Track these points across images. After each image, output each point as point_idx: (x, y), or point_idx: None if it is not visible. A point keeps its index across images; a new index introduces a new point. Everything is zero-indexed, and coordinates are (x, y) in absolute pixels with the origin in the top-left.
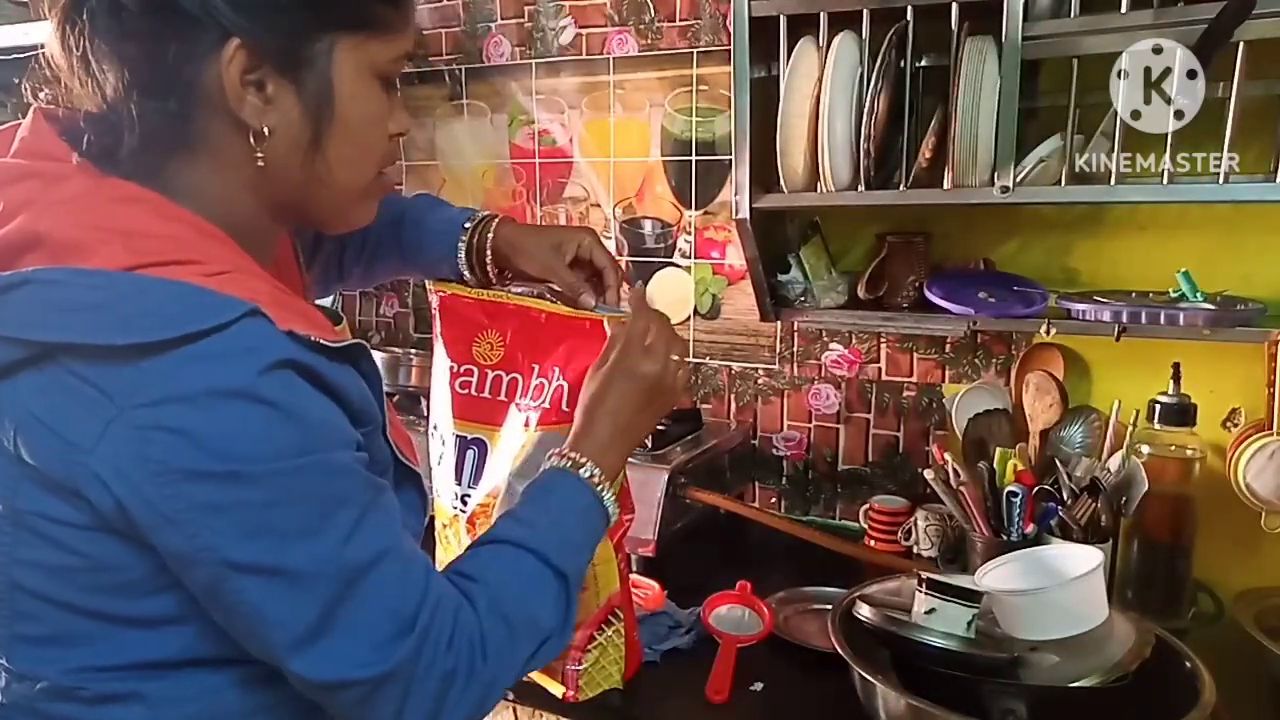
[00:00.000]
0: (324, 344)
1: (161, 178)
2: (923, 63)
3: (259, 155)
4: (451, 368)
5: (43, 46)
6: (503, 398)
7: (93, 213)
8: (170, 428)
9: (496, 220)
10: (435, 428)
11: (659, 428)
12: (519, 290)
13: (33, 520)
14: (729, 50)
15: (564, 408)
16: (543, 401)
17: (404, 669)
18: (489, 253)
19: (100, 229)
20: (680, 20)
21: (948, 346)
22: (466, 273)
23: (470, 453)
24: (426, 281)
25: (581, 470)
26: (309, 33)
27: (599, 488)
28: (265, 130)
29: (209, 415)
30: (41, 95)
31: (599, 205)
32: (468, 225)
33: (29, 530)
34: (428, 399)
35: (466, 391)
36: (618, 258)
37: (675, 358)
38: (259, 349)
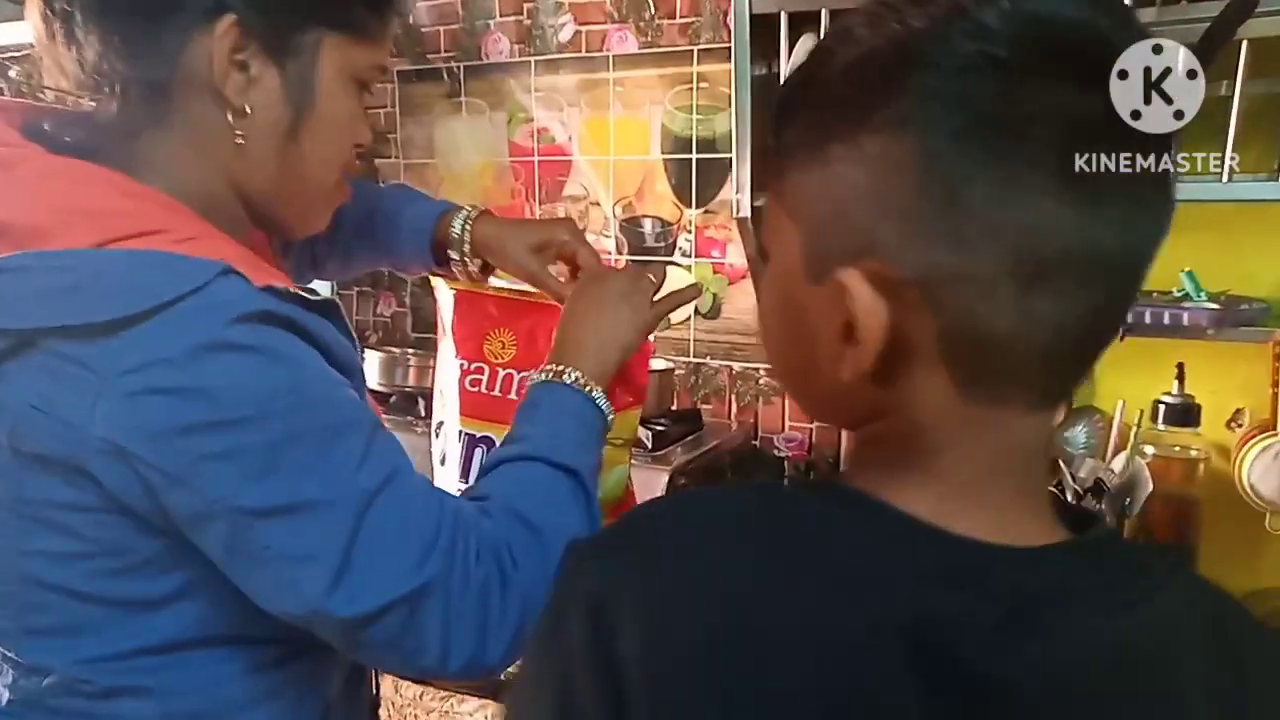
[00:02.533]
0: (302, 295)
1: (128, 156)
2: None
3: (238, 134)
4: (462, 365)
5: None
6: (513, 396)
7: (50, 195)
8: (158, 389)
9: (473, 218)
10: (441, 425)
11: (659, 428)
12: (499, 283)
13: (39, 509)
14: (729, 48)
15: None
16: None
17: (439, 582)
18: (466, 248)
19: (60, 210)
20: (680, 17)
21: None
22: (446, 268)
23: (479, 450)
24: (434, 278)
25: (564, 376)
26: (300, 23)
27: (585, 388)
28: (246, 108)
29: (194, 370)
30: (11, 72)
31: (598, 204)
32: (454, 229)
33: (36, 520)
34: (426, 399)
35: (476, 389)
36: (616, 255)
37: (650, 276)
38: (234, 302)
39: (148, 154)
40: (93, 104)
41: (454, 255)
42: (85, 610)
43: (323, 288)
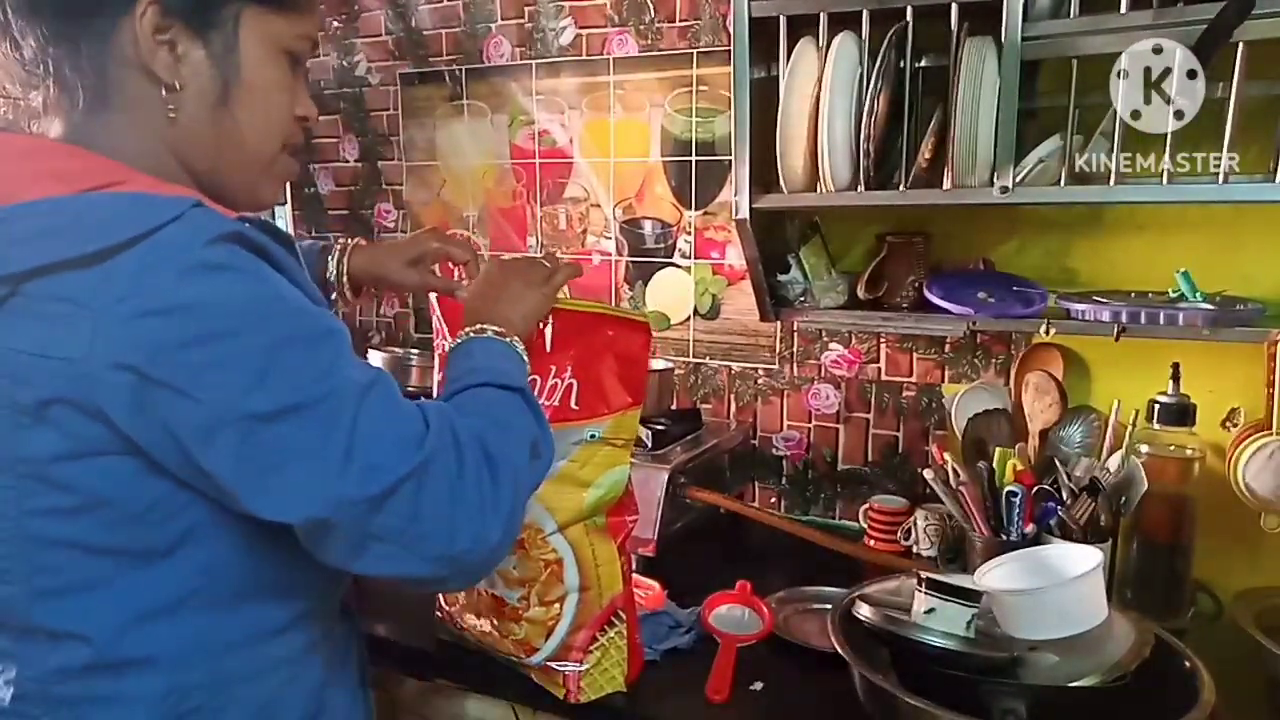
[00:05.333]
0: (271, 225)
1: (74, 137)
2: (922, 63)
3: (170, 108)
4: None
5: None
6: None
7: (6, 164)
8: (150, 310)
9: (348, 253)
10: None
11: (659, 427)
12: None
13: (37, 467)
14: (729, 51)
15: (573, 406)
16: (553, 400)
17: (438, 459)
18: (346, 280)
19: (22, 175)
20: (680, 21)
21: (947, 346)
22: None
23: None
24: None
25: (485, 332)
26: None
27: (505, 339)
28: (177, 84)
29: (181, 290)
30: None
31: (599, 205)
32: (330, 265)
33: (34, 479)
34: (429, 399)
35: None
36: (617, 256)
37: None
38: (209, 226)
39: (95, 135)
40: (31, 98)
41: (332, 287)
42: (93, 564)
43: None
